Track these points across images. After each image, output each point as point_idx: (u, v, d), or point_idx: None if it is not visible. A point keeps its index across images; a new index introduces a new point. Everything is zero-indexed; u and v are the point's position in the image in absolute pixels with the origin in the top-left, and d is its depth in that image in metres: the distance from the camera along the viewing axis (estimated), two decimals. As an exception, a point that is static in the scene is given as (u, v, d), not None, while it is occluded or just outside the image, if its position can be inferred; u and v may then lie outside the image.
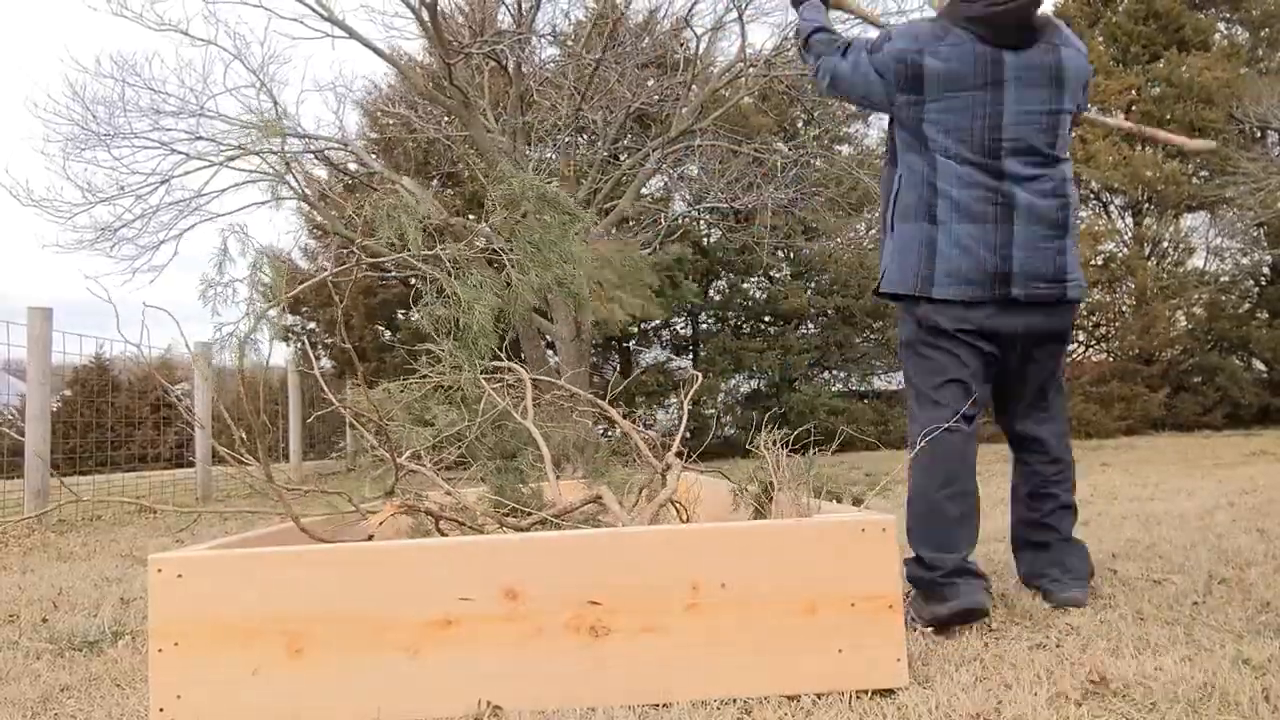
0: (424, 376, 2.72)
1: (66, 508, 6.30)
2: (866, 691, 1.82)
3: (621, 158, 10.19)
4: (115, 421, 8.68)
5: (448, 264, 2.17)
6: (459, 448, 2.49)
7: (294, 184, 8.55)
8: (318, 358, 14.25)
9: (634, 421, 2.90)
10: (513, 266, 2.30)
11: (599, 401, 2.64)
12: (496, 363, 2.62)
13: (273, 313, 2.01)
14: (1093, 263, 14.65)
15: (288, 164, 8.29)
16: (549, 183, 2.46)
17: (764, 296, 14.12)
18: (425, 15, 7.53)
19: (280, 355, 11.53)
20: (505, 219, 2.32)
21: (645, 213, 10.78)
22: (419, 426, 2.49)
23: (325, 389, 2.47)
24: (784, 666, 1.83)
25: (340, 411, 2.51)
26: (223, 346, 1.96)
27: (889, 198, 2.60)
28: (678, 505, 2.45)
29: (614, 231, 9.79)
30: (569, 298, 2.49)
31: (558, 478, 2.48)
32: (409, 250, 2.10)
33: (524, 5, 8.27)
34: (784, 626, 1.84)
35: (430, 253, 2.13)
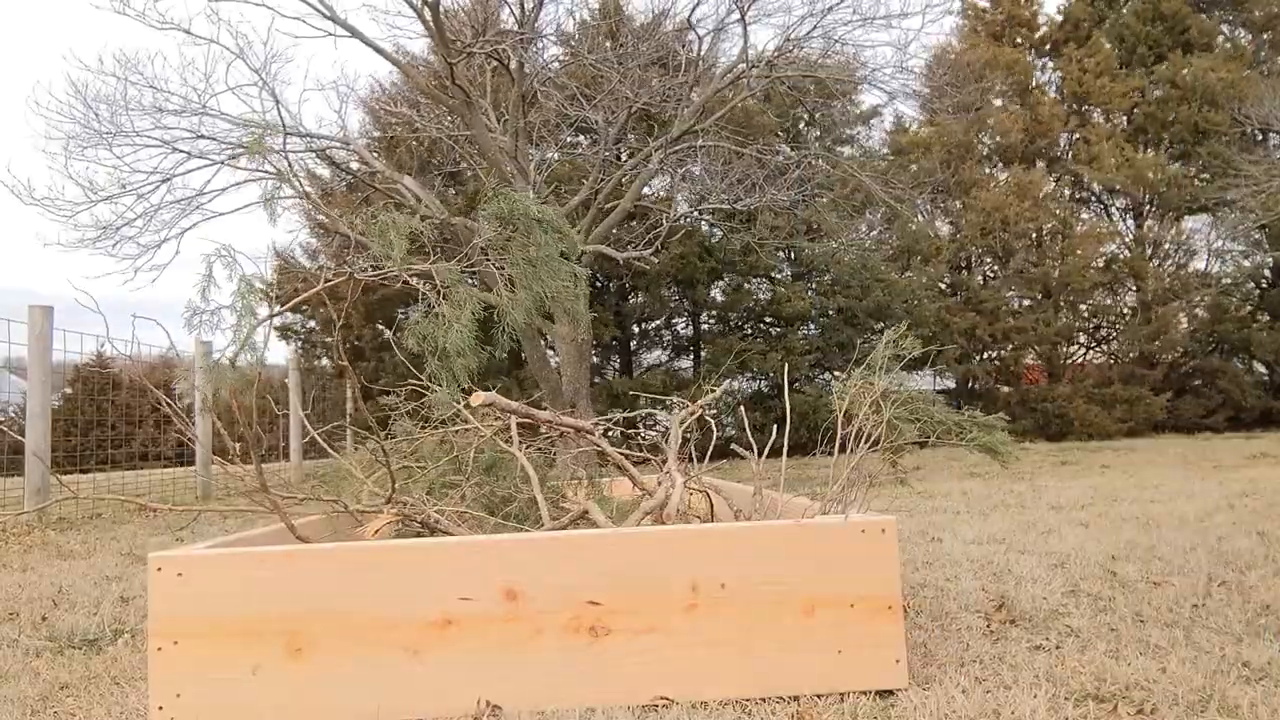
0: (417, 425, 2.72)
1: (67, 506, 6.31)
2: (866, 692, 1.82)
3: (624, 158, 10.19)
4: (116, 419, 8.69)
5: (436, 280, 2.17)
6: (455, 490, 2.48)
7: (295, 184, 8.56)
8: (318, 357, 14.24)
9: (640, 420, 2.90)
10: (506, 284, 2.30)
11: (592, 438, 2.61)
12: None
13: (260, 334, 2.01)
14: (1094, 265, 14.67)
15: (289, 165, 8.30)
16: (540, 201, 2.47)
17: (766, 297, 14.12)
18: (428, 15, 7.53)
19: (281, 354, 11.53)
20: (496, 236, 2.31)
21: (648, 213, 10.78)
22: (415, 475, 2.48)
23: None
24: (784, 667, 1.83)
25: (340, 412, 2.51)
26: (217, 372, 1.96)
27: None
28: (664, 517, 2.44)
29: (615, 231, 9.79)
30: (564, 314, 2.50)
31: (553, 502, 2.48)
32: (396, 264, 2.09)
33: (527, 5, 8.27)
34: (783, 627, 1.84)
35: (416, 268, 2.13)
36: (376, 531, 2.13)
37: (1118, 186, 14.81)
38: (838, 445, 2.30)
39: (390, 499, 2.19)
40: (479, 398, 2.37)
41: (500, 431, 2.63)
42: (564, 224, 2.50)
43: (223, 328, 2.01)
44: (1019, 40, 15.95)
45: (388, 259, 2.10)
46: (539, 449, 2.76)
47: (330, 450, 2.71)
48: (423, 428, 2.71)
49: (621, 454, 2.66)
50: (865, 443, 2.20)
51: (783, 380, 12.69)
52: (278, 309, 2.08)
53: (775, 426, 2.36)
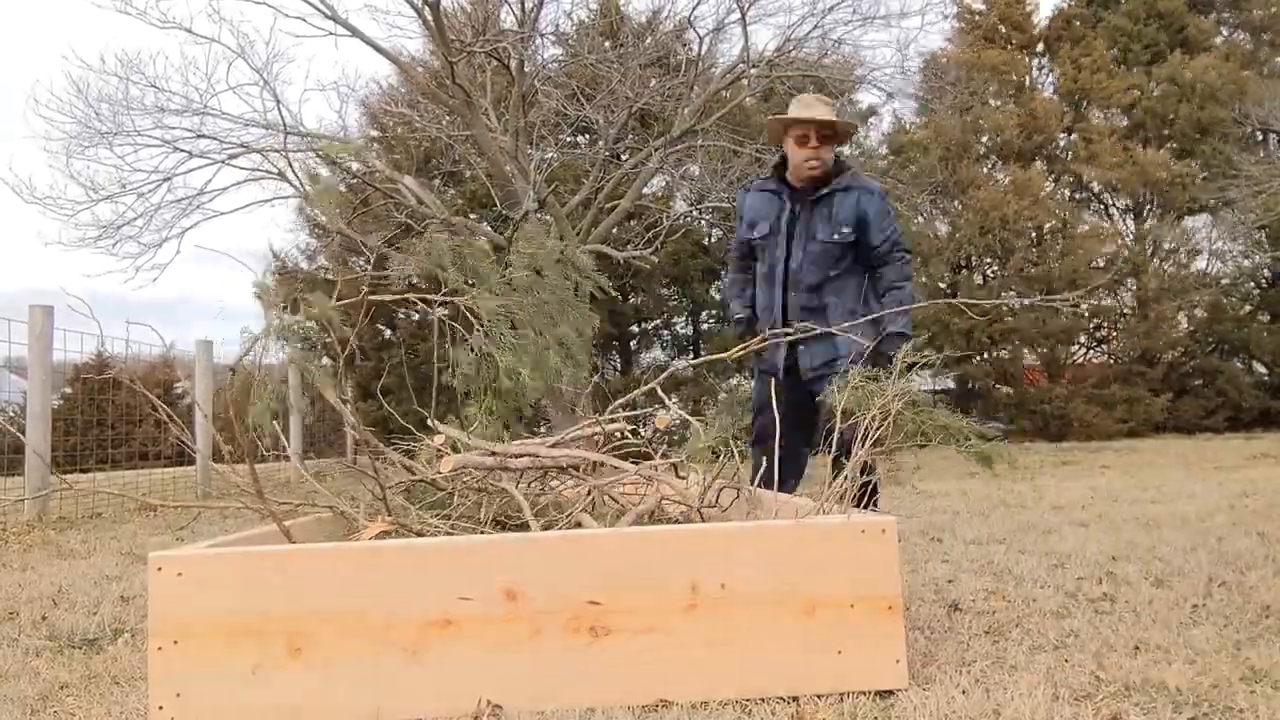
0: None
1: (67, 506, 6.31)
2: (866, 693, 1.82)
3: (623, 157, 10.19)
4: (116, 419, 8.68)
5: (482, 317, 2.19)
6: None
7: (294, 182, 8.57)
8: (318, 356, 14.23)
9: (640, 421, 2.89)
10: (533, 329, 2.32)
11: (578, 474, 2.59)
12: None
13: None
14: (1094, 264, 14.67)
15: (289, 164, 8.30)
16: (571, 247, 2.50)
17: (765, 297, 14.10)
18: (428, 14, 7.53)
19: (281, 353, 11.50)
20: (525, 277, 2.34)
21: (647, 212, 10.77)
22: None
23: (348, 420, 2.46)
24: (784, 667, 1.83)
25: (340, 411, 2.51)
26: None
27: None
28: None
29: (615, 232, 9.78)
30: (568, 359, 2.51)
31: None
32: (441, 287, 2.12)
33: (527, 4, 8.27)
34: (783, 627, 1.84)
35: (449, 298, 2.13)
36: (372, 538, 2.12)
37: (1117, 185, 14.81)
38: (836, 445, 2.30)
39: (387, 511, 2.19)
40: (448, 463, 2.35)
41: (490, 472, 2.60)
42: (593, 269, 2.54)
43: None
44: (1013, 39, 15.95)
45: (439, 278, 2.13)
46: (536, 479, 2.71)
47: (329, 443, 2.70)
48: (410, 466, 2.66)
49: (616, 460, 2.65)
50: (869, 443, 2.19)
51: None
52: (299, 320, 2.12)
53: (779, 427, 2.36)
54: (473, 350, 2.27)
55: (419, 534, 2.19)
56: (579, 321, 2.43)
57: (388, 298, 2.42)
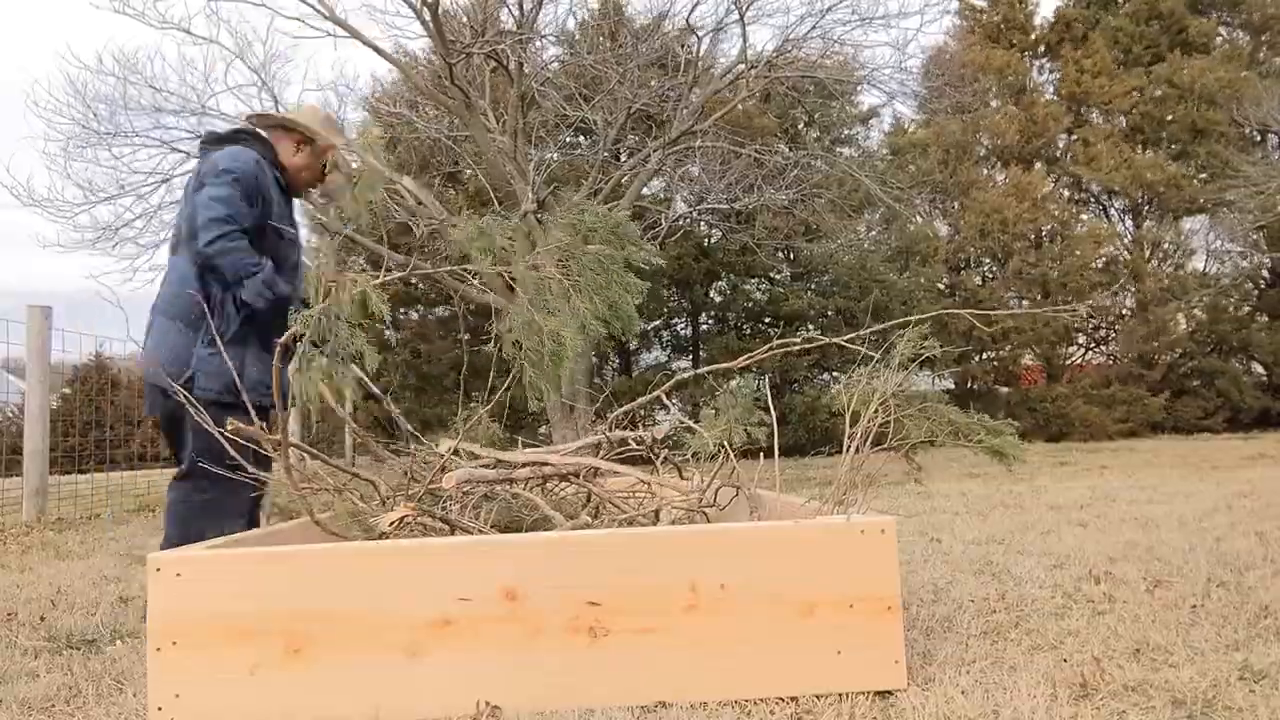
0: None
1: (65, 507, 6.32)
2: (865, 693, 1.82)
3: (623, 158, 10.19)
4: (115, 420, 8.68)
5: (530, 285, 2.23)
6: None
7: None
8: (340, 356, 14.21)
9: (640, 425, 2.90)
10: (577, 293, 2.35)
11: (579, 481, 2.59)
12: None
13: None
14: (1093, 265, 14.69)
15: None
16: (616, 210, 2.53)
17: (765, 298, 14.12)
18: (427, 15, 7.53)
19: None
20: (569, 245, 2.37)
21: (646, 213, 10.77)
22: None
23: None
24: (783, 667, 1.83)
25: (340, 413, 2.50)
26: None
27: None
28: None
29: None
30: (620, 323, 2.55)
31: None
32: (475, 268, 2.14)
33: (526, 5, 8.27)
34: (783, 627, 1.84)
35: (509, 270, 2.15)
36: (393, 525, 2.11)
37: (1116, 187, 14.83)
38: (846, 446, 2.30)
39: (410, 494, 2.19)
40: (452, 479, 2.36)
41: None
42: (638, 236, 2.58)
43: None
44: (1014, 41, 15.96)
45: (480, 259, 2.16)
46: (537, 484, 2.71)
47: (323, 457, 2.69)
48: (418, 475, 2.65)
49: (616, 462, 2.65)
50: (868, 442, 2.19)
51: (774, 383, 12.69)
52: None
53: (776, 427, 2.36)
54: (516, 319, 2.29)
55: (445, 520, 2.19)
56: (627, 284, 2.46)
57: (438, 269, 2.43)
